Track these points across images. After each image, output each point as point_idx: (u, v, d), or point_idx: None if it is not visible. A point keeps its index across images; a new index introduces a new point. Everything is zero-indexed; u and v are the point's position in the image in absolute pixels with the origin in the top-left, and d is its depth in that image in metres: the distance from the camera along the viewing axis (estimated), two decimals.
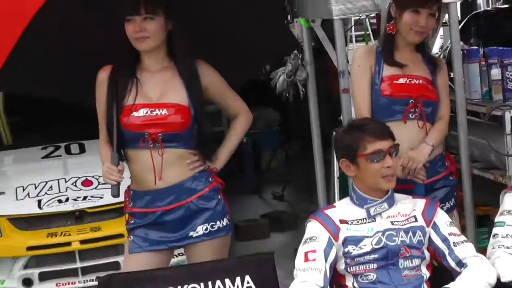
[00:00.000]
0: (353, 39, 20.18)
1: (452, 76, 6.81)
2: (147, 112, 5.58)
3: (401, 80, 5.94)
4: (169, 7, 5.59)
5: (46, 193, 9.10)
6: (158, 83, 5.65)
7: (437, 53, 8.98)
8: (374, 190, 5.28)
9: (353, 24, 8.72)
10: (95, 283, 5.35)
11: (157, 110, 5.58)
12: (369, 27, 14.79)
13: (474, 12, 16.96)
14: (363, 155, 5.20)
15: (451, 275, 5.20)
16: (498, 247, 5.37)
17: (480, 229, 7.09)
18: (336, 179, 7.55)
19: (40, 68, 6.06)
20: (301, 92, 7.93)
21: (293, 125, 13.30)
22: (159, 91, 5.63)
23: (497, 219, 5.50)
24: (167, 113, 5.58)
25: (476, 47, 9.03)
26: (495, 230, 5.46)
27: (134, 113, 5.58)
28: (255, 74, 7.39)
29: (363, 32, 12.10)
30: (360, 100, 5.98)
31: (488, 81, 7.64)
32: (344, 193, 6.13)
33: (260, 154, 13.87)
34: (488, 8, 21.26)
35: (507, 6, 17.92)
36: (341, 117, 7.05)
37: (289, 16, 11.72)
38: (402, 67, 5.96)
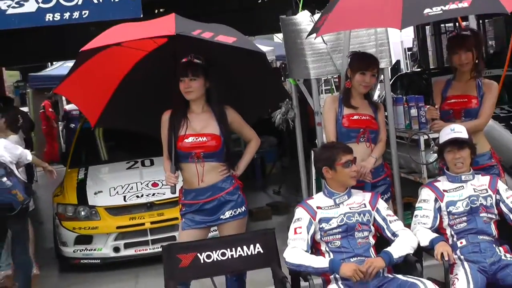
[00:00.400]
0: (323, 91, 20.28)
1: (387, 114, 6.80)
2: (193, 139, 5.60)
3: (355, 117, 5.92)
4: (207, 72, 5.60)
5: (128, 191, 9.10)
6: (201, 120, 5.65)
7: (376, 99, 8.96)
8: (342, 186, 5.25)
9: (323, 81, 8.72)
10: (160, 249, 5.31)
11: (200, 137, 5.59)
12: (333, 83, 14.79)
13: (399, 73, 16.97)
14: (340, 163, 5.19)
15: (388, 242, 5.17)
16: (418, 224, 5.36)
17: (406, 212, 7.03)
18: (313, 181, 7.52)
19: (126, 110, 6.10)
20: (291, 125, 7.95)
21: (286, 146, 13.32)
22: (201, 125, 5.63)
23: (417, 205, 5.47)
24: (206, 140, 5.59)
25: (400, 96, 8.99)
26: (415, 212, 5.44)
27: (185, 140, 5.60)
28: (262, 114, 7.38)
29: (329, 87, 12.11)
30: (329, 129, 5.97)
31: (409, 117, 7.63)
32: (318, 189, 6.11)
33: (265, 165, 13.87)
34: (408, 71, 21.32)
35: (419, 70, 17.92)
36: (316, 141, 7.06)
37: (283, 78, 11.73)
38: (355, 108, 5.93)
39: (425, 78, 11.86)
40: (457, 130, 5.43)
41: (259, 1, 16.99)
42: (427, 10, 4.68)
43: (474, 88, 5.95)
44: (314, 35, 5.77)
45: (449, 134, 5.44)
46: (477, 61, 5.93)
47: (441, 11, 4.67)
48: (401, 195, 7.03)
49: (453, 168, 5.42)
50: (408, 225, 5.44)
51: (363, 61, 5.92)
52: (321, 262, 4.97)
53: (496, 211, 5.37)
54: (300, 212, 5.22)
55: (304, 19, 6.99)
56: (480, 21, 19.66)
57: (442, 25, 20.58)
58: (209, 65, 5.62)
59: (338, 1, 5.30)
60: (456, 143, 5.39)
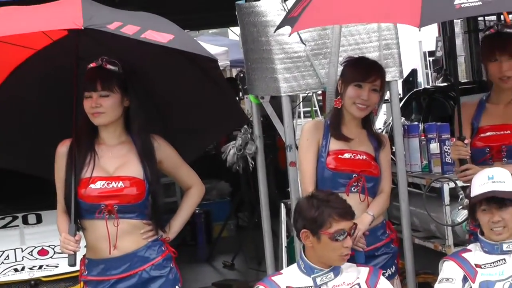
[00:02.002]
0: (301, 114, 20.33)
1: (394, 149, 6.87)
2: (103, 184, 5.56)
3: (346, 155, 5.98)
4: (125, 84, 5.60)
5: (2, 262, 8.97)
6: (115, 157, 5.64)
7: (380, 128, 9.07)
8: (322, 264, 5.29)
9: (301, 100, 8.75)
10: None
11: (113, 182, 5.56)
12: (316, 103, 14.84)
13: (415, 89, 17.11)
14: (327, 232, 5.22)
15: None
16: None
17: None
18: (284, 248, 7.55)
19: (2, 138, 6.08)
20: (251, 165, 7.97)
21: (244, 196, 13.36)
22: (116, 164, 5.62)
23: (437, 286, 5.53)
24: (123, 186, 5.57)
25: (416, 123, 9.10)
26: None
27: (91, 185, 5.56)
28: (206, 147, 7.39)
29: (310, 108, 12.17)
30: (306, 172, 6.01)
31: (427, 155, 7.71)
32: (291, 262, 6.14)
33: (211, 224, 13.89)
34: (428, 86, 21.49)
35: (445, 84, 18.13)
36: (289, 189, 7.09)
37: (240, 93, 11.79)
38: (348, 141, 5.99)
39: (454, 97, 12.02)
40: (498, 179, 5.49)
41: None
42: (459, 1, 4.74)
43: None
44: (287, 30, 5.80)
45: (484, 184, 5.51)
46: None
47: (480, 2, 4.73)
48: (415, 271, 7.10)
49: (490, 234, 5.51)
50: None
51: (360, 69, 6.00)
52: None
53: None
54: None
55: (271, 7, 7.02)
56: None
57: (480, 18, 20.78)
58: (129, 75, 5.65)
59: None
60: (495, 200, 5.48)
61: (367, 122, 6.10)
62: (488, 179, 5.49)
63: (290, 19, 5.56)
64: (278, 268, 7.45)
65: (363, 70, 5.97)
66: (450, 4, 4.74)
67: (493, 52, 5.95)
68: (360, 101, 5.91)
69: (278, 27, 6.02)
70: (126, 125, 5.69)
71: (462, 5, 4.70)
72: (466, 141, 5.89)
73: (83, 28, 4.96)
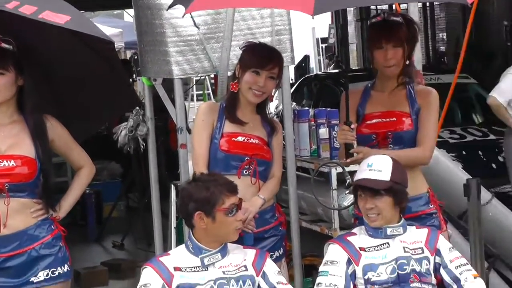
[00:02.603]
0: (194, 97, 20.29)
1: (284, 134, 6.91)
2: None
3: (239, 138, 5.99)
4: (20, 63, 5.56)
5: None
6: (7, 136, 5.60)
7: (271, 113, 9.11)
8: (216, 242, 5.32)
9: (194, 83, 8.79)
10: None
11: (4, 161, 5.53)
12: (209, 87, 14.88)
13: (306, 75, 17.23)
14: (222, 209, 5.23)
15: None
16: None
17: (306, 279, 7.16)
18: (173, 229, 7.55)
19: None
20: (142, 146, 7.97)
21: (134, 177, 13.33)
22: (7, 143, 5.58)
23: (321, 268, 5.58)
24: (14, 165, 5.54)
25: (306, 108, 9.17)
26: (319, 279, 5.53)
27: None
28: (97, 128, 7.37)
29: (203, 91, 12.21)
30: (199, 153, 6.01)
31: (316, 140, 7.74)
32: (180, 243, 6.15)
33: (102, 204, 13.83)
34: (320, 72, 21.65)
35: (337, 71, 18.29)
36: (180, 171, 7.10)
37: (134, 75, 11.75)
38: (242, 125, 6.01)
39: (344, 84, 12.15)
40: (376, 168, 5.57)
41: None
42: None
43: (405, 100, 6.06)
44: (180, 12, 5.80)
45: (363, 171, 5.61)
46: (408, 62, 6.07)
47: None
48: (302, 254, 7.17)
49: (367, 220, 5.60)
50: None
51: (259, 55, 6.01)
52: None
53: (434, 280, 5.58)
54: (148, 275, 5.27)
55: None
56: (427, 5, 20.26)
57: (372, 7, 20.93)
58: (24, 54, 5.61)
59: None
60: (369, 188, 5.57)
61: (262, 108, 6.13)
62: (367, 167, 5.59)
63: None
64: (167, 249, 7.44)
65: (262, 57, 5.98)
66: None
67: (379, 40, 5.98)
68: (256, 87, 5.93)
69: (171, 5, 5.99)
70: (19, 104, 5.66)
71: None
72: (352, 126, 5.91)
73: None
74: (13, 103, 5.64)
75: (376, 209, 5.51)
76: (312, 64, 25.84)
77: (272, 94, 6.27)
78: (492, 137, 11.29)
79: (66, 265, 5.72)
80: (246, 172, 5.97)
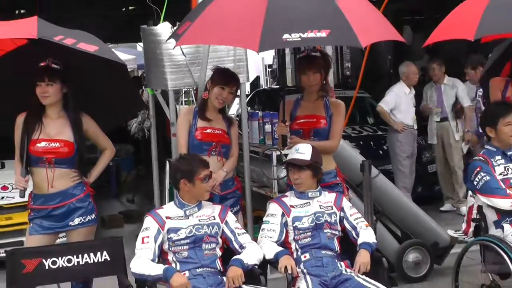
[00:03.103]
0: (183, 102, 20.22)
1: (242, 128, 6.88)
2: (46, 144, 5.54)
3: (208, 130, 5.94)
4: (64, 77, 5.54)
5: None
6: (56, 126, 5.60)
7: (233, 114, 9.08)
8: (195, 199, 5.28)
9: (182, 93, 8.73)
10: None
11: (52, 143, 5.54)
12: (193, 95, 14.81)
13: (257, 89, 17.27)
14: (199, 178, 5.22)
15: (235, 254, 5.24)
16: (264, 237, 5.43)
17: (255, 226, 7.12)
18: (167, 191, 7.48)
19: None
20: (147, 134, 7.93)
21: (142, 155, 13.25)
22: (55, 131, 5.57)
23: (264, 219, 5.56)
24: (59, 146, 5.54)
25: (257, 111, 9.11)
26: (262, 226, 5.52)
27: (38, 144, 5.53)
28: (118, 123, 7.33)
29: (189, 98, 12.14)
30: (181, 141, 5.97)
31: (263, 132, 7.73)
32: (171, 199, 6.10)
33: (121, 172, 13.71)
34: (266, 88, 21.66)
35: (277, 86, 18.25)
36: (172, 152, 7.05)
37: (143, 87, 11.62)
38: (210, 121, 5.95)
39: (282, 95, 12.12)
40: (301, 151, 5.54)
41: (123, 9, 16.86)
42: (285, 36, 4.74)
43: (322, 108, 6.07)
44: (173, 44, 5.75)
45: (292, 154, 5.57)
46: (324, 82, 6.08)
47: (300, 38, 4.74)
48: (252, 209, 7.13)
49: (294, 186, 5.57)
50: (255, 238, 5.52)
51: (224, 77, 5.96)
52: (157, 269, 4.99)
53: (339, 228, 5.54)
54: (148, 222, 5.21)
55: (164, 30, 6.99)
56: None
57: None
58: (67, 71, 5.55)
59: (202, 11, 5.26)
60: (296, 164, 5.51)
61: (222, 110, 6.09)
62: (295, 151, 5.59)
63: (176, 35, 5.56)
64: (162, 203, 7.37)
65: (226, 78, 5.95)
66: (280, 37, 4.78)
67: (304, 68, 6.02)
68: (221, 98, 5.91)
69: (169, 38, 6.06)
70: (64, 105, 5.63)
71: (287, 39, 4.74)
72: (287, 123, 5.98)
73: (37, 37, 5.02)
74: (59, 104, 5.62)
75: (300, 179, 5.50)
76: (262, 81, 25.78)
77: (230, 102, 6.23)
78: (379, 133, 11.25)
79: (93, 214, 5.69)
80: (213, 153, 5.92)
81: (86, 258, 5.25)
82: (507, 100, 6.45)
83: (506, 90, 6.57)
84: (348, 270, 5.36)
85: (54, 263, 5.16)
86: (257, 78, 24.05)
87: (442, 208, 10.55)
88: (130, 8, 16.61)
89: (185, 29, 5.32)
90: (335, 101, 6.18)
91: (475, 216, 5.99)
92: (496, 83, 6.70)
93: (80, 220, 5.59)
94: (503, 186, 5.74)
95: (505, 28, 5.91)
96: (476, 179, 5.78)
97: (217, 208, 5.39)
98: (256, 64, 27.18)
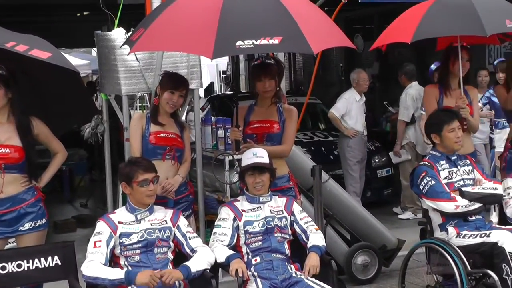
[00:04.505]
0: (138, 108, 20.11)
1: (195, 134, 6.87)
2: None
3: (162, 135, 5.90)
4: (8, 82, 5.43)
5: None
6: (5, 131, 5.47)
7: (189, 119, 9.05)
8: (139, 203, 5.25)
9: (137, 98, 8.69)
10: None
11: (2, 149, 5.43)
12: (147, 100, 14.74)
13: (211, 95, 17.31)
14: (136, 182, 5.18)
15: (187, 258, 5.23)
16: (216, 241, 5.43)
17: (207, 229, 7.10)
18: (120, 195, 7.43)
19: None
20: (100, 139, 7.86)
21: (95, 160, 13.15)
22: (5, 136, 5.46)
23: (216, 223, 5.56)
24: (8, 151, 5.43)
25: (210, 117, 9.10)
26: (214, 230, 5.53)
27: None
28: (70, 127, 7.26)
29: (144, 103, 12.08)
30: (134, 146, 5.92)
31: (216, 138, 7.72)
32: (124, 204, 6.07)
33: (74, 177, 13.58)
34: (220, 94, 21.68)
35: (231, 92, 18.25)
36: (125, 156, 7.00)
37: (97, 92, 11.53)
38: (162, 126, 5.92)
39: (236, 101, 12.13)
40: (259, 155, 5.56)
41: (78, 15, 16.72)
42: (239, 43, 4.75)
43: (276, 113, 6.12)
44: (127, 50, 5.71)
45: (251, 158, 5.57)
46: (278, 88, 6.12)
47: (253, 45, 4.76)
48: (204, 213, 7.11)
49: (253, 191, 5.57)
50: (207, 242, 5.51)
51: (173, 81, 5.93)
52: (117, 273, 4.94)
53: (290, 231, 5.57)
54: (101, 226, 5.17)
55: (118, 36, 6.94)
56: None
57: None
58: (12, 76, 5.45)
59: (156, 18, 5.24)
60: (257, 168, 5.52)
61: (175, 114, 6.05)
62: (253, 155, 5.58)
63: (130, 41, 5.52)
64: (115, 208, 7.32)
65: (175, 82, 5.93)
66: (233, 45, 4.78)
67: (259, 75, 6.05)
68: (171, 103, 5.88)
69: (123, 44, 6.04)
70: (12, 110, 5.52)
71: (241, 46, 4.75)
72: (240, 128, 6.02)
73: None
74: (7, 109, 5.51)
75: (262, 182, 5.52)
76: (216, 87, 25.81)
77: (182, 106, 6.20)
78: (330, 138, 11.35)
79: (44, 219, 5.61)
80: (168, 157, 5.88)
81: (36, 263, 5.14)
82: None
83: (441, 97, 6.66)
84: (298, 273, 5.38)
85: (3, 268, 5.04)
86: (211, 84, 24.08)
87: (401, 216, 10.54)
88: (84, 13, 16.46)
89: (139, 35, 5.29)
90: (287, 107, 6.23)
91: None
92: (430, 90, 6.80)
93: (31, 225, 5.50)
94: (448, 190, 5.84)
95: (440, 31, 6.23)
96: (422, 183, 5.88)
97: (169, 212, 5.38)
98: (211, 70, 27.25)
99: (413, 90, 10.34)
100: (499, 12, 6.09)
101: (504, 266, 5.52)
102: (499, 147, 9.02)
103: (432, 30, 6.12)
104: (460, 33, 6.24)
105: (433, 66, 9.80)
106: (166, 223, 5.27)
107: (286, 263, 5.43)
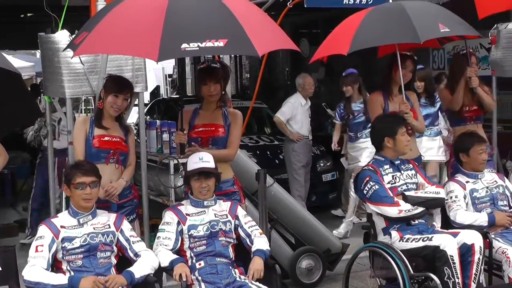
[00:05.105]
0: (83, 111, 19.93)
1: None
2: None
3: (106, 138, 5.87)
4: None
5: None
6: None
7: (132, 123, 8.99)
8: (80, 207, 5.19)
9: (82, 101, 8.59)
10: None
11: None
12: (92, 103, 14.61)
13: (157, 98, 17.21)
14: (73, 184, 5.15)
15: (131, 262, 5.20)
16: (160, 245, 5.40)
17: (152, 234, 7.06)
18: (64, 198, 7.34)
19: None
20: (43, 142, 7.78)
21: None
22: None
23: (160, 227, 5.53)
24: None
25: (155, 120, 9.08)
26: (158, 234, 5.50)
27: None
28: (10, 130, 7.15)
29: (90, 107, 11.96)
30: (78, 149, 5.87)
31: (161, 141, 7.72)
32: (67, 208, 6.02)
33: (16, 181, 13.34)
34: (166, 97, 21.62)
35: (176, 96, 18.22)
36: (70, 160, 6.91)
37: (42, 94, 11.36)
38: (106, 129, 5.88)
39: (181, 105, 12.09)
40: (205, 160, 5.55)
41: (22, 16, 16.48)
42: (184, 45, 4.73)
43: (221, 117, 6.10)
44: (71, 53, 5.64)
45: (197, 163, 5.55)
46: (223, 92, 6.12)
47: (198, 48, 4.74)
48: (149, 217, 7.07)
49: (198, 195, 5.55)
50: (151, 246, 5.49)
51: (117, 84, 5.90)
52: (60, 279, 4.88)
53: (234, 236, 5.57)
54: (43, 230, 5.10)
55: (62, 38, 6.83)
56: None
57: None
58: None
59: (100, 21, 5.18)
60: (203, 173, 5.51)
61: (119, 117, 6.01)
62: (199, 160, 5.56)
63: (73, 45, 5.45)
64: (59, 212, 7.22)
65: (119, 85, 5.90)
66: (178, 47, 4.75)
67: (205, 79, 6.04)
68: (115, 106, 5.85)
69: (65, 48, 6.01)
70: None
71: (186, 49, 4.73)
72: (185, 132, 5.98)
73: None
74: None
75: (208, 187, 5.52)
76: (162, 91, 25.72)
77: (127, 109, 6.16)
78: (276, 142, 11.37)
79: None
80: (111, 160, 5.85)
81: None
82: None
83: (386, 103, 6.74)
84: (242, 277, 5.39)
85: None
86: (157, 87, 24.01)
87: (336, 213, 10.67)
88: (28, 15, 16.23)
89: (83, 38, 5.22)
90: (233, 111, 6.23)
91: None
92: (375, 97, 6.88)
93: None
94: (391, 195, 5.90)
95: (375, 41, 6.33)
96: (366, 188, 5.93)
97: (112, 216, 5.33)
98: (157, 73, 27.15)
99: None
100: (431, 17, 6.23)
101: (446, 269, 5.61)
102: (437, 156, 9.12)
103: (367, 40, 6.23)
104: (394, 42, 6.34)
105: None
106: (109, 227, 5.22)
107: (230, 267, 5.43)
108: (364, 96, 9.63)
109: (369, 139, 6.94)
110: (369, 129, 6.92)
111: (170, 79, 28.07)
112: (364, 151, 9.42)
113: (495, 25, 8.59)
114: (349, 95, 9.83)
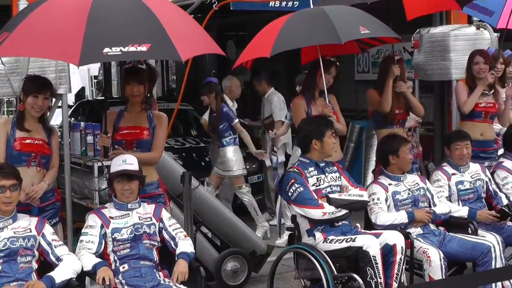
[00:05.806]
0: (5, 112, 19.57)
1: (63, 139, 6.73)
2: None
3: (28, 141, 5.76)
4: None
5: None
6: None
7: (56, 125, 8.85)
8: (2, 210, 5.09)
9: (5, 102, 8.42)
10: None
11: None
12: (16, 106, 14.36)
13: (82, 100, 17.00)
14: None
15: (53, 267, 5.12)
16: (83, 249, 5.33)
17: (75, 237, 6.96)
18: None
19: None
20: None
21: None
22: None
23: (83, 230, 5.46)
24: None
25: (78, 122, 8.97)
26: (81, 237, 5.42)
27: None
28: None
29: (12, 108, 11.73)
30: None
31: (85, 143, 7.63)
32: None
33: None
34: (91, 99, 21.39)
35: (102, 97, 18.03)
36: None
37: None
38: (28, 132, 5.77)
39: (106, 106, 11.96)
40: (129, 162, 5.50)
41: None
42: (106, 50, 4.65)
43: (146, 119, 6.03)
44: None
45: (120, 165, 5.50)
46: (149, 95, 6.06)
47: (120, 52, 4.67)
48: (73, 220, 6.97)
49: (121, 198, 5.50)
50: (74, 250, 5.41)
51: (35, 85, 5.80)
52: None
53: (158, 238, 5.54)
54: None
55: None
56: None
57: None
58: None
59: (21, 22, 5.04)
60: (126, 175, 5.46)
61: (42, 119, 5.91)
62: (123, 162, 5.51)
63: None
64: None
65: (38, 85, 5.80)
66: (100, 51, 4.64)
67: (128, 78, 6.03)
68: (36, 107, 5.75)
69: None
70: None
71: (108, 53, 4.65)
72: (108, 134, 5.89)
73: None
74: None
75: (131, 189, 5.47)
76: (87, 92, 25.44)
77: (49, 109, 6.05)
78: (202, 144, 11.35)
79: None
80: (33, 163, 5.74)
81: None
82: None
83: (309, 107, 6.83)
84: (167, 280, 5.36)
85: None
86: (83, 89, 23.70)
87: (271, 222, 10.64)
88: None
89: (3, 40, 5.08)
90: (158, 114, 6.18)
91: None
92: (298, 102, 6.96)
93: None
94: (316, 197, 5.97)
95: (297, 43, 6.45)
96: (291, 190, 5.97)
97: (34, 220, 5.24)
98: (82, 75, 26.78)
99: (277, 94, 10.56)
100: (352, 20, 6.35)
101: (369, 269, 5.70)
102: None
103: (289, 42, 6.32)
104: (316, 43, 6.43)
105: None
106: (31, 231, 5.13)
107: (155, 270, 5.40)
108: (218, 106, 9.54)
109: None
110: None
111: (95, 80, 27.77)
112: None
113: (418, 30, 8.79)
114: (206, 104, 9.84)
